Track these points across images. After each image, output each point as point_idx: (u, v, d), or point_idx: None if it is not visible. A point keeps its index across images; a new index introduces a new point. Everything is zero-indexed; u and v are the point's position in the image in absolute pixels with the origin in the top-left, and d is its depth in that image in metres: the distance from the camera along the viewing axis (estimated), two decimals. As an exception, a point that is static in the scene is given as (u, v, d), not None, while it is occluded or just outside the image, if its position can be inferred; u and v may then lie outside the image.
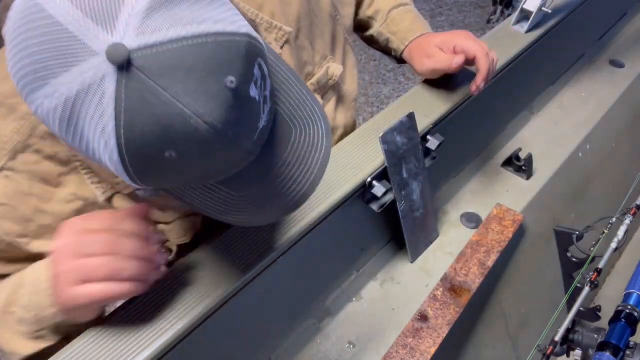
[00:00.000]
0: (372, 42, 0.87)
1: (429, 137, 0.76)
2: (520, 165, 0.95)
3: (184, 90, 0.33)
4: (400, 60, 0.83)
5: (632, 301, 0.74)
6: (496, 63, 0.73)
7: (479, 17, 3.47)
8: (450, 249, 0.83)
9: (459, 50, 0.71)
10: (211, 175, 0.38)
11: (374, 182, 0.69)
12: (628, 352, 0.68)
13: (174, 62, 0.33)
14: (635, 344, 0.69)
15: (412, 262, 0.81)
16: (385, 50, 0.84)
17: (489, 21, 3.41)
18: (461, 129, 0.87)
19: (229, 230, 0.61)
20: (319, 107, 0.45)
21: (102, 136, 0.34)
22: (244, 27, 0.36)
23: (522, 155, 0.94)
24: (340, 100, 0.78)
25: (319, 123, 0.45)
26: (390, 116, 0.76)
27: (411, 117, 0.71)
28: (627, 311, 0.72)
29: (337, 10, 0.74)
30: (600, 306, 0.82)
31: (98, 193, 0.53)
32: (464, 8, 3.56)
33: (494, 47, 0.91)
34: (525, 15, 0.94)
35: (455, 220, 0.88)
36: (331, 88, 0.74)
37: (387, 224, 0.80)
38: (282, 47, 0.64)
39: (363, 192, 0.70)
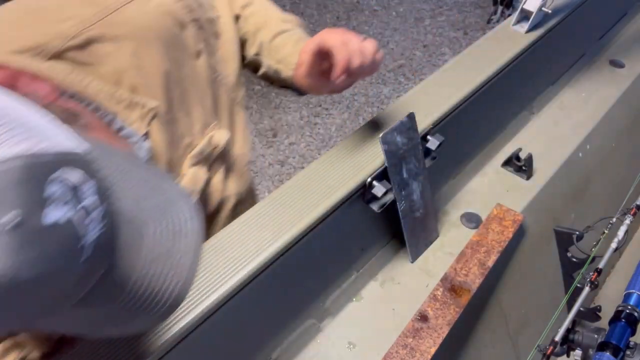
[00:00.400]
0: (268, 79, 0.78)
1: (429, 137, 0.76)
2: (520, 165, 0.95)
3: None
4: (302, 91, 0.75)
5: (632, 301, 0.74)
6: (369, 54, 0.62)
7: (479, 17, 3.47)
8: (450, 249, 0.83)
9: (320, 46, 0.63)
10: (36, 315, 0.31)
11: (374, 182, 0.69)
12: (628, 352, 0.69)
13: None
14: (635, 344, 0.69)
15: (412, 262, 0.81)
16: (284, 84, 0.76)
17: (489, 21, 3.41)
18: (461, 129, 0.87)
19: (229, 230, 0.61)
20: (178, 189, 0.40)
21: None
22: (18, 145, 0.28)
23: (522, 155, 0.94)
24: (230, 168, 0.71)
25: (179, 206, 0.39)
26: (390, 116, 0.76)
27: (411, 117, 0.71)
28: (627, 311, 0.72)
29: (217, 71, 0.68)
30: (600, 306, 0.82)
31: None
32: (464, 8, 3.56)
33: (494, 47, 0.91)
34: (525, 15, 0.94)
35: (455, 220, 0.88)
36: (218, 158, 0.67)
37: (387, 224, 0.80)
38: (149, 125, 0.57)
39: (363, 192, 0.70)
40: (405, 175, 0.73)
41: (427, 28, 3.40)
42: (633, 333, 0.72)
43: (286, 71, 0.72)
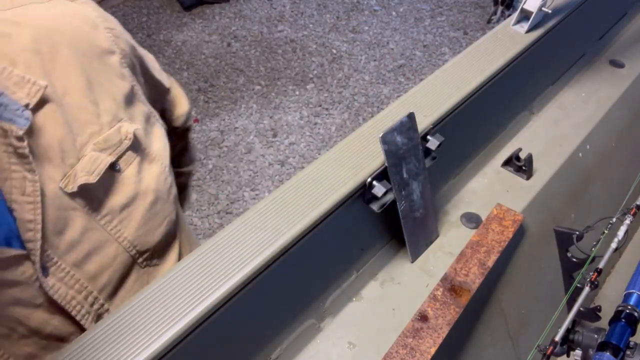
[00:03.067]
0: None
1: (429, 137, 0.76)
2: (520, 165, 0.95)
3: None
4: None
5: (632, 301, 0.74)
6: None
7: (479, 17, 3.47)
8: (450, 249, 0.83)
9: None
10: None
11: (374, 182, 0.69)
12: (628, 352, 0.68)
13: None
14: (636, 344, 0.69)
15: (412, 262, 0.81)
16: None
17: (489, 21, 3.41)
18: (461, 129, 0.87)
19: (229, 230, 0.61)
20: None
21: None
22: None
23: (522, 155, 0.94)
24: (145, 159, 0.70)
25: None
26: (390, 116, 0.76)
27: (411, 117, 0.71)
28: (627, 311, 0.72)
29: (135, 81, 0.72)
30: (600, 306, 0.82)
31: None
32: (464, 8, 3.56)
33: (494, 47, 0.91)
34: (525, 15, 0.94)
35: (455, 220, 0.88)
36: (130, 149, 0.67)
37: (387, 224, 0.80)
38: (38, 101, 0.58)
39: (363, 192, 0.70)
40: (405, 175, 0.73)
41: (427, 28, 3.40)
42: (633, 333, 0.71)
43: None
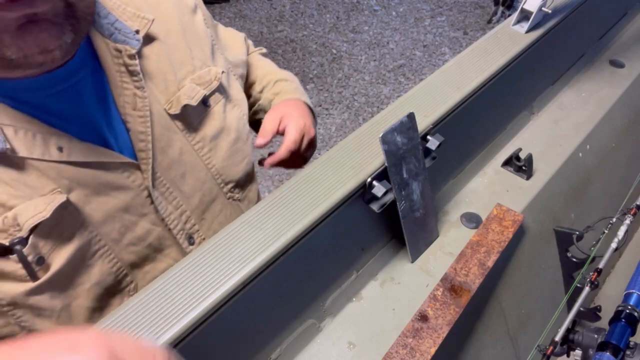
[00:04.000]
0: (260, 113, 0.97)
1: (429, 137, 0.76)
2: (520, 165, 0.95)
3: None
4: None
5: (632, 301, 0.74)
6: (296, 153, 0.86)
7: (479, 17, 3.47)
8: (450, 249, 0.83)
9: (284, 130, 0.86)
10: None
11: (374, 182, 0.69)
12: (628, 352, 0.69)
13: None
14: (636, 344, 0.70)
15: (412, 262, 0.81)
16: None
17: (489, 21, 3.41)
18: (461, 129, 0.87)
19: (228, 230, 0.61)
20: None
21: None
22: None
23: (522, 155, 0.94)
24: (229, 102, 0.81)
25: None
26: (390, 116, 0.76)
27: (411, 117, 0.71)
28: (627, 311, 0.72)
29: (215, 39, 0.83)
30: (600, 306, 0.82)
31: None
32: (464, 8, 3.56)
33: (494, 47, 0.91)
34: (525, 15, 0.94)
35: (455, 220, 0.88)
36: (217, 90, 0.78)
37: (387, 224, 0.80)
38: (146, 30, 0.69)
39: (363, 192, 0.70)
40: (405, 175, 0.73)
41: (427, 28, 3.39)
42: (633, 333, 0.72)
43: (277, 102, 0.92)
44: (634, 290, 0.75)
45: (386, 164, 0.69)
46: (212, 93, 0.77)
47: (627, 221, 0.82)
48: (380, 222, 0.79)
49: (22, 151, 0.57)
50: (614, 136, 1.14)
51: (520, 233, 0.90)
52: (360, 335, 0.73)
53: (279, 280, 0.65)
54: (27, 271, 0.57)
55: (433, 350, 0.68)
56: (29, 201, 0.57)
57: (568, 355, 0.76)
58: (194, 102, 0.72)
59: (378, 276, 0.80)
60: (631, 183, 0.94)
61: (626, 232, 0.81)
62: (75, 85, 0.62)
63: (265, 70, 0.97)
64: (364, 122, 0.75)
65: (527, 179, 0.95)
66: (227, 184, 0.80)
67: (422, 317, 0.72)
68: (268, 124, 0.86)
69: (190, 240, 0.76)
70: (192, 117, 0.73)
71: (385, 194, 0.69)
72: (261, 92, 0.95)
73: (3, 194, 0.56)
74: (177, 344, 0.53)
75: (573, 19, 1.04)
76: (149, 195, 0.69)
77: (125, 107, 0.66)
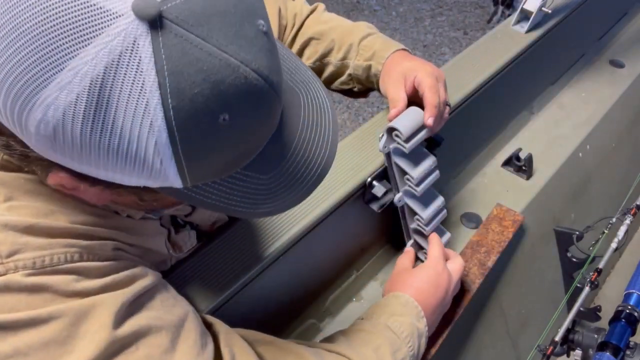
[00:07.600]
0: (350, 83, 0.81)
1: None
2: (520, 165, 0.95)
3: (224, 37, 0.30)
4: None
5: (632, 301, 0.74)
6: (444, 102, 0.70)
7: (479, 17, 3.47)
8: (451, 249, 0.83)
9: (416, 83, 0.69)
10: (252, 149, 0.36)
11: (374, 182, 0.69)
12: (628, 352, 0.69)
13: (206, 8, 0.30)
14: (635, 344, 0.70)
15: (412, 262, 0.81)
16: (367, 83, 0.79)
17: (489, 21, 3.41)
18: (461, 129, 0.87)
19: (228, 230, 0.61)
20: (311, 71, 0.43)
21: (145, 115, 0.29)
22: None
23: (522, 155, 0.94)
24: None
25: (317, 85, 0.42)
26: (390, 116, 0.76)
27: (411, 117, 0.71)
28: (627, 311, 0.72)
29: None
30: (600, 306, 0.82)
31: None
32: (464, 8, 3.56)
33: (494, 47, 0.91)
34: (525, 15, 0.94)
35: (455, 220, 0.88)
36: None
37: (387, 224, 0.80)
38: None
39: (363, 192, 0.70)
40: (405, 175, 0.73)
41: (427, 28, 3.39)
42: (633, 333, 0.72)
43: (377, 67, 0.74)
44: (634, 290, 0.75)
45: (386, 164, 0.69)
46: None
47: (627, 221, 0.82)
48: (380, 222, 0.79)
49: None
50: (614, 136, 1.14)
51: (520, 233, 0.90)
52: (360, 335, 0.72)
53: (279, 280, 0.65)
54: None
55: (433, 351, 0.68)
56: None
57: (568, 355, 0.76)
58: None
59: (378, 276, 0.80)
60: (631, 183, 0.94)
61: (626, 232, 0.81)
62: None
63: (338, 32, 0.80)
64: (364, 122, 0.75)
65: (527, 179, 0.95)
66: None
67: (422, 317, 0.72)
68: (394, 92, 0.71)
69: None
70: None
71: (385, 194, 0.69)
72: (345, 59, 0.79)
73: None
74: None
75: (573, 19, 1.04)
76: None
77: None
